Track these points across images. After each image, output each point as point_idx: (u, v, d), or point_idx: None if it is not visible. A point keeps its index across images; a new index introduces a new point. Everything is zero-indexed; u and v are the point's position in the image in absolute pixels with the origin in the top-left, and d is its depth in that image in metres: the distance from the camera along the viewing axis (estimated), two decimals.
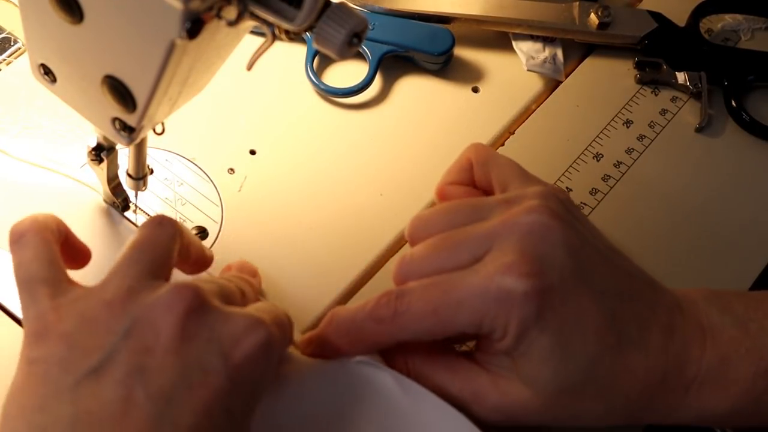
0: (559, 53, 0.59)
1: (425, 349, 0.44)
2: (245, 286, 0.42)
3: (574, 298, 0.40)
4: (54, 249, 0.40)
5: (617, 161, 0.55)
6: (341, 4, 0.34)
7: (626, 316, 0.41)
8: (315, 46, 0.35)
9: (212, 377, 0.35)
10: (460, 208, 0.43)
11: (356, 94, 0.56)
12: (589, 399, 0.41)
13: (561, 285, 0.40)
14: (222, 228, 0.50)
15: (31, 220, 0.40)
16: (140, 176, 0.46)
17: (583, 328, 0.40)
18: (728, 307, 0.43)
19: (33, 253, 0.39)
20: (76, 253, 0.43)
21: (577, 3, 0.59)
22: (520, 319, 0.39)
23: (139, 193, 0.48)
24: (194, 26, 0.32)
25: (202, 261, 0.44)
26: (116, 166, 0.47)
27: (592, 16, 0.58)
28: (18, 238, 0.39)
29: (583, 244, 0.41)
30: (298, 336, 0.44)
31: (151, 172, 0.49)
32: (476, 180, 0.47)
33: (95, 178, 0.48)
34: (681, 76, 0.58)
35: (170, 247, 0.40)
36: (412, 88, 0.58)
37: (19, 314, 0.44)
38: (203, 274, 0.45)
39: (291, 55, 0.57)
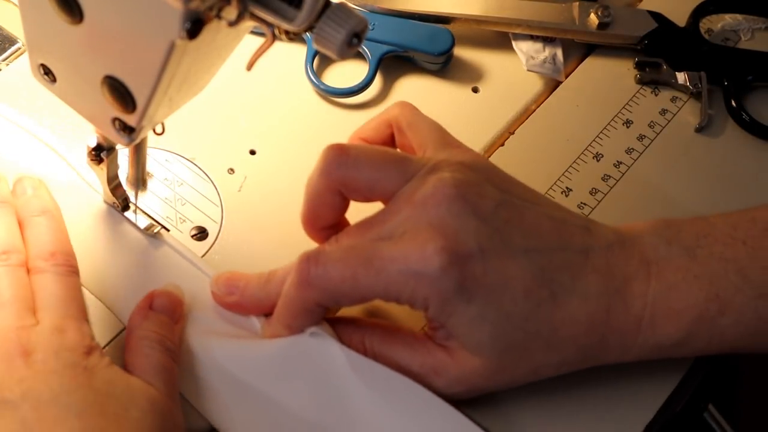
0: (559, 53, 0.59)
1: (382, 328, 0.45)
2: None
3: (497, 263, 0.40)
4: None
5: (617, 161, 0.55)
6: (341, 4, 0.34)
7: (556, 267, 0.42)
8: (315, 46, 0.35)
9: None
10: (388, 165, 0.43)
11: (356, 94, 0.56)
12: (539, 353, 0.42)
13: (480, 253, 0.40)
14: (222, 228, 0.50)
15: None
16: (140, 181, 0.47)
17: (512, 289, 0.41)
18: (677, 237, 0.44)
19: None
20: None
21: (577, 3, 0.59)
22: (438, 292, 0.40)
23: (138, 194, 0.48)
24: (194, 26, 0.32)
25: None
26: (116, 166, 0.47)
27: (592, 16, 0.58)
28: None
29: (498, 206, 0.42)
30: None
31: (151, 176, 0.49)
32: (397, 142, 0.47)
33: (95, 177, 0.48)
34: (681, 76, 0.58)
35: None
36: (412, 88, 0.58)
37: None
38: None
39: (291, 55, 0.57)
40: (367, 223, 0.43)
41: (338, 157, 0.43)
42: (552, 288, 0.41)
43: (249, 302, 0.45)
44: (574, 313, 0.41)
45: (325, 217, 0.45)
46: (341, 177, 0.43)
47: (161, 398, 0.40)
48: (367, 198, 0.44)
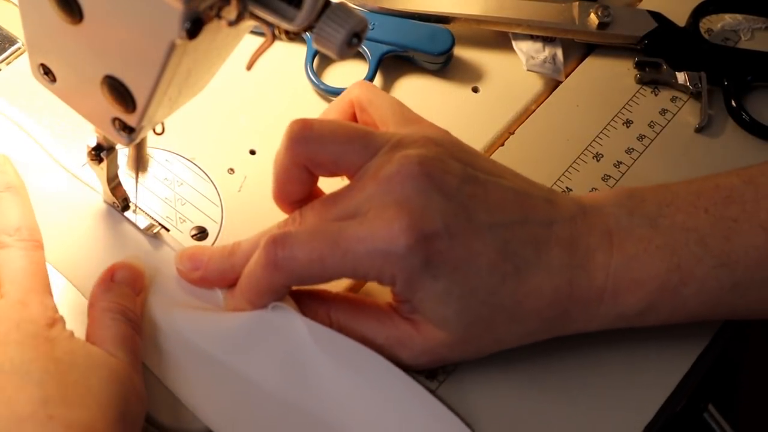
0: (559, 53, 0.59)
1: (347, 301, 0.45)
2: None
3: (462, 239, 0.41)
4: None
5: (617, 161, 0.55)
6: (341, 4, 0.34)
7: (520, 241, 0.42)
8: (315, 46, 0.35)
9: None
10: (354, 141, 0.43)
11: None
12: (503, 325, 0.42)
13: (445, 230, 0.40)
14: (222, 228, 0.50)
15: None
16: (140, 162, 0.46)
17: (477, 265, 0.41)
18: (639, 207, 0.44)
19: None
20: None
21: (577, 3, 0.59)
22: (405, 269, 0.40)
23: (138, 193, 0.48)
24: (194, 26, 0.32)
25: None
26: (116, 166, 0.47)
27: (592, 15, 0.58)
28: None
29: (462, 182, 0.42)
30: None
31: (151, 160, 0.49)
32: (359, 121, 0.48)
33: (95, 177, 0.48)
34: (681, 76, 0.58)
35: None
36: (412, 88, 0.58)
37: None
38: None
39: (291, 55, 0.58)
40: (332, 199, 0.43)
41: (302, 131, 0.43)
42: (516, 262, 0.42)
43: (213, 275, 0.45)
44: (538, 286, 0.42)
45: (294, 192, 0.45)
46: (306, 152, 0.43)
47: (123, 368, 0.40)
48: (332, 173, 0.44)
